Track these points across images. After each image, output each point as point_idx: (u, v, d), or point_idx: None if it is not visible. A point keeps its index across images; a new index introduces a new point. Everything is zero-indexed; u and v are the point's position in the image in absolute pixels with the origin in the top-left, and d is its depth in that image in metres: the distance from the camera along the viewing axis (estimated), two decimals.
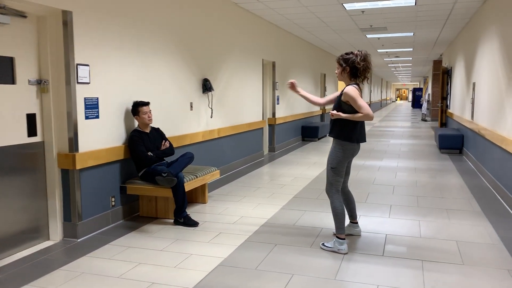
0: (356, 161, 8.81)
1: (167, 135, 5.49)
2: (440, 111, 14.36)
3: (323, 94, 15.71)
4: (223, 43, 7.09)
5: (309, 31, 10.82)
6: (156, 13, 5.23)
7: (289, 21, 9.22)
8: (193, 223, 4.55)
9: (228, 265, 3.53)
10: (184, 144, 5.92)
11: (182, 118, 5.90)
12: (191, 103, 6.11)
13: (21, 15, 3.77)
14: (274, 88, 9.90)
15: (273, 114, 9.95)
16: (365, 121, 3.88)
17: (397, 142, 12.28)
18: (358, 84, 3.78)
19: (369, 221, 4.71)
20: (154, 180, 4.59)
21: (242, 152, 8.07)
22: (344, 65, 3.76)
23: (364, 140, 3.91)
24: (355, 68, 3.71)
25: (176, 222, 4.61)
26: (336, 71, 3.87)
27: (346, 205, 4.20)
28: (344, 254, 3.77)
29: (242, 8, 7.77)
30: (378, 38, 12.24)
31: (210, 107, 6.62)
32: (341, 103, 3.71)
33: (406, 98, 69.36)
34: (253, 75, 8.50)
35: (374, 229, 4.45)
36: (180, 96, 5.84)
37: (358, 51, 3.73)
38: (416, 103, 36.94)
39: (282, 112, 10.59)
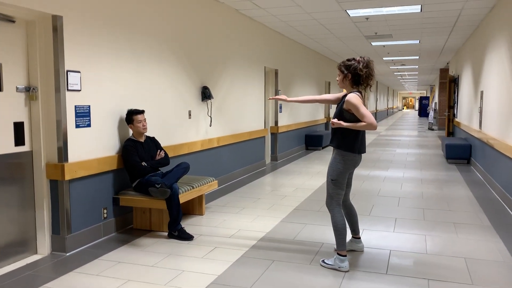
0: (361, 172, 8.59)
1: (163, 144, 5.32)
2: (447, 120, 14.11)
3: None
4: (224, 50, 6.94)
5: (312, 39, 10.66)
6: (153, 19, 5.09)
7: (292, 28, 9.07)
8: (187, 237, 4.35)
9: (221, 283, 3.33)
10: (182, 153, 5.74)
11: (179, 127, 5.73)
12: (189, 111, 5.94)
13: (9, 19, 3.63)
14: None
15: (276, 123, 9.77)
16: (368, 131, 3.68)
17: (403, 152, 12.04)
18: (360, 92, 3.59)
19: (372, 236, 4.50)
20: (147, 191, 4.41)
21: (243, 162, 7.88)
22: (345, 71, 3.57)
23: (364, 151, 3.71)
24: (357, 75, 3.52)
25: (171, 236, 4.42)
26: (337, 78, 3.68)
27: (348, 219, 3.99)
28: (345, 272, 3.55)
29: (243, 14, 7.62)
30: (384, 46, 12.06)
31: (210, 115, 6.45)
32: (343, 111, 3.52)
33: (413, 107, 68.95)
34: (254, 83, 8.33)
35: (377, 245, 4.23)
36: (178, 104, 5.68)
37: (361, 57, 3.54)
38: (423, 111, 36.62)
39: (285, 121, 10.41)
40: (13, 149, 3.74)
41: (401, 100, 69.04)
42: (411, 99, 71.34)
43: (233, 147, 7.39)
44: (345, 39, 10.81)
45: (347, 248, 4.03)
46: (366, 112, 3.39)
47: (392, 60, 15.98)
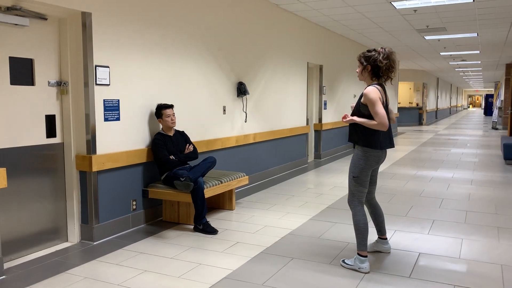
0: (406, 171, 8.22)
1: (195, 139, 5.37)
2: (510, 119, 13.16)
3: None
4: (262, 45, 6.89)
5: (361, 33, 10.34)
6: (186, 15, 5.14)
7: (336, 22, 8.84)
8: (211, 231, 4.36)
9: (234, 278, 3.29)
10: (215, 148, 5.77)
11: (213, 122, 5.76)
12: (224, 107, 5.96)
13: (41, 17, 3.81)
14: (321, 92, 9.53)
15: (320, 120, 9.58)
16: (393, 123, 3.50)
17: (458, 151, 11.38)
18: (381, 85, 3.41)
19: (403, 237, 4.27)
20: (174, 184, 4.47)
21: (282, 159, 7.80)
22: (365, 63, 3.41)
23: (391, 145, 3.51)
24: (377, 67, 3.35)
25: (196, 229, 4.45)
26: (357, 70, 3.52)
27: (373, 219, 3.81)
28: (365, 273, 3.39)
29: (283, 9, 7.53)
30: (438, 40, 11.45)
31: (245, 111, 6.43)
32: (360, 106, 3.36)
33: (480, 105, 65.18)
34: (296, 79, 8.21)
35: (407, 247, 4.00)
36: (212, 99, 5.71)
37: (382, 48, 3.36)
38: (489, 110, 34.54)
39: (330, 118, 10.18)
40: (45, 140, 3.93)
41: (467, 98, 65.49)
42: (477, 97, 67.48)
43: (271, 144, 7.33)
44: (395, 33, 10.39)
45: (372, 249, 3.85)
46: (380, 110, 3.23)
47: (451, 55, 15.16)
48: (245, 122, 6.47)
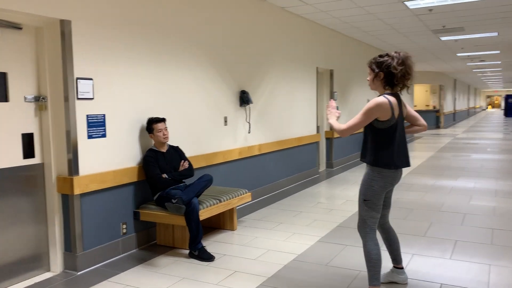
0: (424, 181, 7.70)
1: (193, 154, 4.98)
2: None
3: None
4: (267, 51, 6.48)
5: (373, 35, 9.86)
6: (179, 20, 4.76)
7: (346, 24, 8.39)
8: (207, 257, 3.95)
9: None
10: (216, 162, 5.37)
11: (213, 134, 5.36)
12: (225, 118, 5.56)
13: (15, 26, 3.46)
14: (332, 98, 9.07)
15: (331, 127, 9.09)
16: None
17: (479, 157, 10.78)
18: (396, 95, 2.97)
19: (423, 263, 3.79)
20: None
21: (290, 170, 7.35)
22: (376, 70, 2.97)
23: (407, 164, 3.06)
24: (391, 74, 2.91)
25: (191, 255, 4.04)
26: (368, 78, 3.08)
27: (387, 246, 3.35)
28: None
29: (289, 12, 7.11)
30: (455, 40, 10.90)
31: (248, 121, 6.02)
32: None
33: (499, 106, 63.62)
34: (304, 85, 7.78)
35: (426, 275, 3.53)
36: (211, 110, 5.31)
37: (396, 52, 2.92)
38: (509, 111, 33.52)
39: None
40: (22, 161, 3.57)
41: (485, 99, 64.03)
42: (496, 98, 65.92)
43: (278, 155, 6.90)
44: (410, 35, 9.88)
45: (387, 279, 3.39)
46: (356, 121, 2.95)
47: (468, 56, 14.53)
48: (249, 133, 6.06)
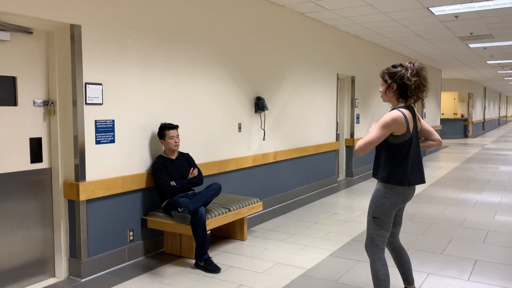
0: (447, 193, 7.41)
1: (206, 160, 4.90)
2: None
3: (421, 113, 14.08)
4: (285, 57, 6.36)
5: (397, 42, 9.61)
6: (194, 23, 4.70)
7: (369, 30, 8.19)
8: (213, 269, 3.85)
9: None
10: (229, 169, 5.28)
11: (226, 141, 5.27)
12: (239, 124, 5.47)
13: (26, 31, 3.46)
14: (353, 105, 8.87)
15: (351, 135, 8.91)
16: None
17: (507, 170, 10.36)
18: (410, 108, 2.81)
19: (438, 284, 3.59)
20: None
21: (307, 178, 7.19)
22: (389, 81, 2.82)
23: (421, 181, 2.89)
24: (405, 86, 2.75)
25: (197, 265, 3.95)
26: (380, 89, 2.93)
27: (398, 266, 3.17)
28: None
29: (309, 18, 6.98)
30: (484, 48, 10.53)
31: (263, 128, 5.90)
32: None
33: None
34: (324, 92, 7.62)
35: None
36: (225, 116, 5.23)
37: (410, 62, 2.77)
38: None
39: (363, 132, 9.47)
40: (29, 166, 3.56)
41: None
42: None
43: (294, 163, 6.76)
44: (436, 42, 9.58)
45: None
46: (373, 137, 2.72)
47: (499, 64, 14.05)
48: (263, 140, 5.94)
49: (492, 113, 31.79)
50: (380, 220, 2.86)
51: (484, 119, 27.56)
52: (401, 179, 2.80)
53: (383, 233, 2.87)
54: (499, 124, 35.75)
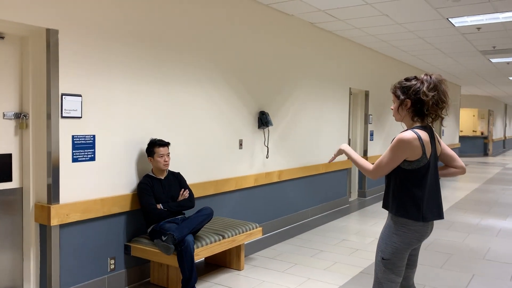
0: (468, 218, 6.83)
1: (200, 180, 4.48)
2: None
3: (438, 132, 13.47)
4: (292, 69, 5.95)
5: (414, 55, 9.13)
6: (189, 30, 4.32)
7: (384, 43, 7.74)
8: None
9: None
10: (227, 190, 4.85)
11: (226, 159, 4.85)
12: (240, 140, 5.04)
13: None
14: (366, 121, 8.39)
15: (365, 152, 8.40)
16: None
17: None
18: (428, 128, 2.35)
19: None
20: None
21: (315, 199, 6.71)
22: (402, 97, 2.36)
23: (439, 216, 2.41)
24: (420, 102, 2.29)
25: None
26: (391, 107, 2.47)
27: None
28: None
29: (320, 28, 6.57)
30: (507, 63, 9.97)
31: (266, 145, 5.46)
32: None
33: None
34: (335, 106, 7.16)
35: None
36: (224, 132, 4.82)
37: (426, 75, 2.32)
38: None
39: (378, 150, 8.95)
40: None
41: None
42: None
43: (301, 182, 6.29)
44: (455, 56, 9.08)
45: None
46: (386, 161, 2.31)
47: None
48: (267, 157, 5.50)
49: None
50: (391, 262, 2.38)
51: (505, 137, 26.66)
52: (415, 214, 2.33)
53: (393, 278, 2.39)
54: None
